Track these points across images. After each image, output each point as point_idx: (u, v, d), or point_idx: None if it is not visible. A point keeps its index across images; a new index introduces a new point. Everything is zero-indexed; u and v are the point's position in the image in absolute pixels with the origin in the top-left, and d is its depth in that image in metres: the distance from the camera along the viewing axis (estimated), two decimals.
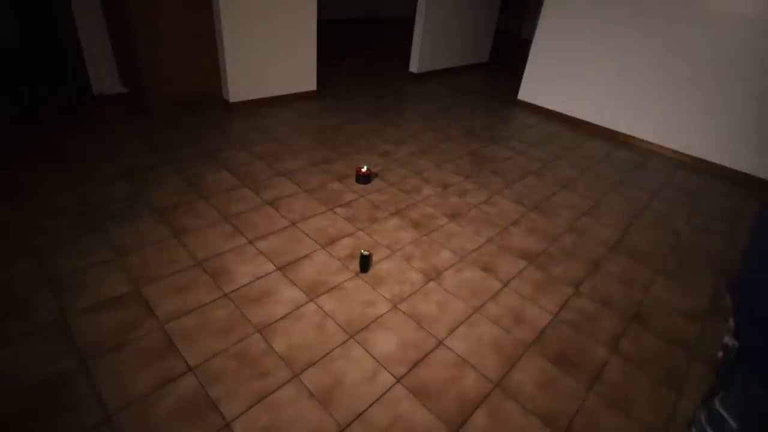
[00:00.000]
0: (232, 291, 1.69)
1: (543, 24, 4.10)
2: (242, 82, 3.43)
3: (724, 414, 0.76)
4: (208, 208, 2.20)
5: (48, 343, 1.40)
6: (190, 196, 2.28)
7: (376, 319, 1.65)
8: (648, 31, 3.48)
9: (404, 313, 1.70)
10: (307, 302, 1.68)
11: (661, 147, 3.69)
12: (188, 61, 3.19)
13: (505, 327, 1.69)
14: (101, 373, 1.33)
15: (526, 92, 4.44)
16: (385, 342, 1.55)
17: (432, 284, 1.87)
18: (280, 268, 1.85)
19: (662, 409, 1.44)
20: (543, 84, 4.28)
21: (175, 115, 3.23)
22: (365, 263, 1.88)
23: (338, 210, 2.32)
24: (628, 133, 3.84)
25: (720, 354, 0.98)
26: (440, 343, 1.58)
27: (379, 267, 1.93)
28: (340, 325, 1.60)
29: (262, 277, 1.79)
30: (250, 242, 1.98)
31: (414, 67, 5.06)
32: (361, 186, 2.58)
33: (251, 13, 3.21)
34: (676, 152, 3.63)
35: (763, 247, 0.72)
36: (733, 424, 0.74)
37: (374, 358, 1.49)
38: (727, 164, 3.39)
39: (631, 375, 1.56)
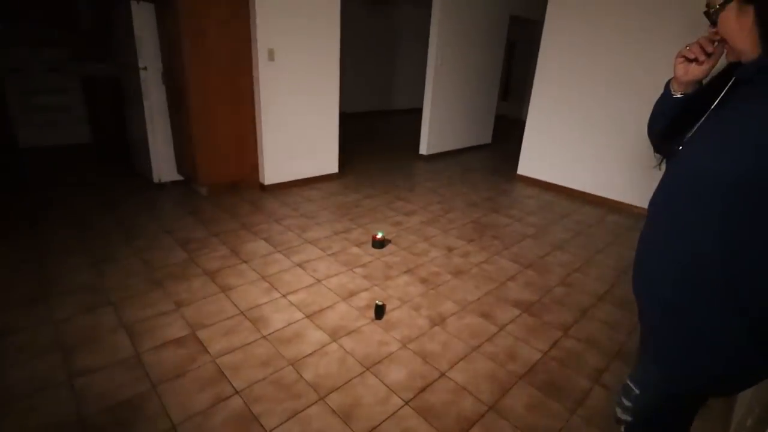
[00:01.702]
0: (269, 334, 2.05)
1: (534, 104, 4.75)
2: (275, 168, 4.06)
3: (631, 384, 1.07)
4: (248, 269, 2.62)
5: (126, 373, 1.76)
6: (233, 260, 2.72)
7: (389, 355, 1.95)
8: (633, 105, 4.03)
9: (412, 351, 2.00)
10: (331, 342, 2.01)
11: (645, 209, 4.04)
12: (233, 153, 3.86)
13: (500, 362, 1.96)
14: (168, 395, 1.66)
15: (524, 167, 4.97)
16: (396, 373, 1.85)
17: (437, 328, 2.18)
18: (308, 316, 2.20)
19: None
20: (538, 158, 4.81)
21: (219, 196, 3.83)
22: (380, 312, 2.23)
23: (357, 270, 2.71)
24: (619, 199, 4.23)
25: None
26: (443, 374, 1.86)
27: (391, 315, 2.26)
28: (358, 360, 1.91)
29: (293, 323, 2.14)
30: (284, 296, 2.37)
31: (423, 149, 5.73)
32: (376, 250, 2.99)
33: (285, 110, 3.93)
34: None
35: (638, 252, 1.07)
36: (636, 390, 1.05)
37: (386, 385, 1.77)
38: None
39: (611, 402, 1.77)
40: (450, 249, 3.10)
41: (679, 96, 1.01)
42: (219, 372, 1.79)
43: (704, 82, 0.99)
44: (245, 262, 2.72)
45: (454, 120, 5.91)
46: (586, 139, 4.35)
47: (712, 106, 0.90)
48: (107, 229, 3.05)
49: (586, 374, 1.93)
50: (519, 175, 5.03)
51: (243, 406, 1.63)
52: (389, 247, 3.05)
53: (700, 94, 0.96)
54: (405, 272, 2.72)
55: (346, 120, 5.57)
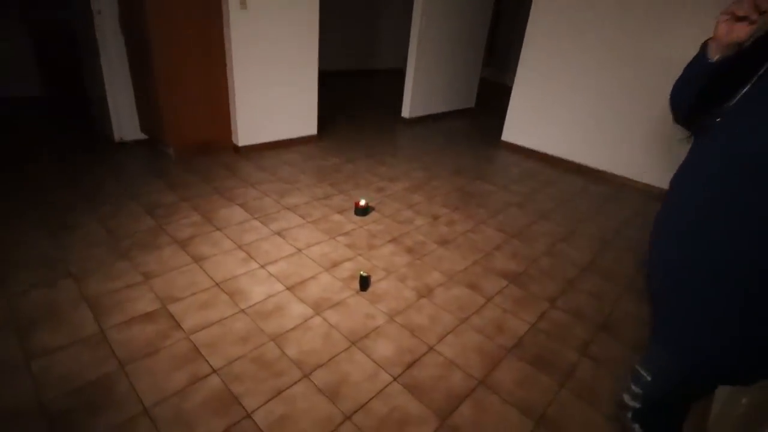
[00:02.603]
0: (248, 307, 1.93)
1: (522, 70, 4.59)
2: (250, 129, 3.80)
3: (641, 370, 1.01)
4: (223, 238, 2.46)
5: (90, 352, 1.61)
6: (206, 228, 2.55)
7: (375, 329, 1.88)
8: (619, 76, 3.94)
9: (399, 324, 1.93)
10: (314, 316, 1.92)
11: (633, 181, 4.05)
12: (202, 111, 3.56)
13: (488, 335, 1.92)
14: (138, 375, 1.54)
15: (508, 134, 4.86)
16: (383, 348, 1.78)
17: (424, 300, 2.11)
18: (289, 288, 2.09)
19: None
20: (523, 126, 4.71)
21: (189, 158, 3.56)
22: (364, 283, 2.13)
23: (339, 238, 2.59)
24: (602, 168, 4.22)
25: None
26: (431, 348, 1.81)
27: (377, 286, 2.18)
28: (343, 335, 1.83)
29: (273, 295, 2.03)
30: (262, 266, 2.23)
31: (405, 112, 5.51)
32: (359, 218, 2.87)
33: (260, 67, 3.63)
34: (647, 185, 3.98)
35: (657, 235, 0.99)
36: (648, 377, 0.99)
37: (374, 361, 1.71)
38: None
39: (599, 375, 1.78)
40: (435, 217, 3.01)
41: (716, 60, 0.88)
42: (194, 349, 1.67)
43: (745, 44, 0.87)
44: (219, 229, 2.55)
45: (437, 83, 5.68)
46: (574, 108, 4.25)
47: (760, 72, 0.79)
48: (65, 193, 2.79)
49: (574, 346, 1.92)
50: (503, 141, 4.93)
51: (222, 386, 1.53)
52: (373, 215, 2.93)
53: (742, 59, 0.84)
54: (390, 241, 2.62)
55: (324, 79, 5.26)
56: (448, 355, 1.78)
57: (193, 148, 3.66)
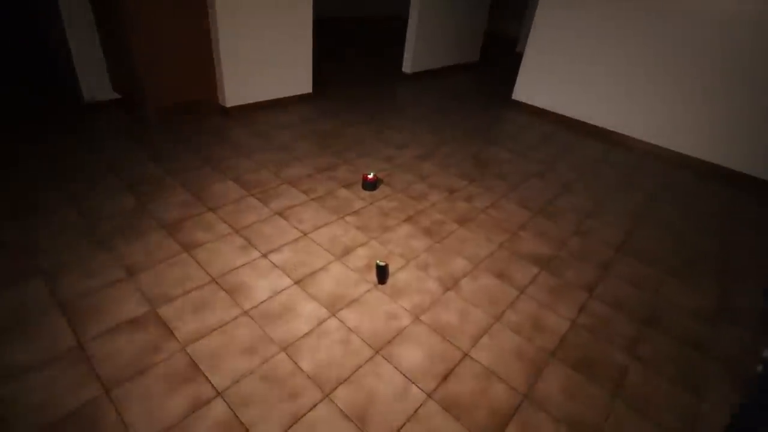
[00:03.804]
0: (251, 308, 1.66)
1: (538, 24, 4.13)
2: (239, 87, 3.36)
3: None
4: (217, 220, 2.15)
5: (66, 373, 1.35)
6: (197, 208, 2.22)
7: (400, 332, 1.64)
8: (645, 29, 3.54)
9: (426, 324, 1.69)
10: (329, 317, 1.67)
11: (659, 147, 3.77)
12: (184, 66, 3.10)
13: (526, 335, 1.71)
14: (126, 402, 1.29)
15: (521, 92, 4.47)
16: (411, 355, 1.55)
17: (450, 293, 1.87)
18: (297, 282, 1.82)
19: (685, 413, 1.48)
20: (537, 84, 4.31)
21: (172, 122, 3.15)
22: (382, 274, 1.87)
23: (349, 219, 2.30)
24: (623, 132, 3.91)
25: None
26: (466, 355, 1.59)
27: (396, 277, 1.92)
28: (365, 340, 1.59)
29: (280, 292, 1.76)
30: (264, 255, 1.95)
31: (407, 67, 5.04)
32: (368, 193, 2.57)
33: (247, 15, 3.14)
34: (670, 151, 3.71)
35: None
36: None
37: (402, 373, 1.48)
38: (720, 162, 3.48)
39: (651, 379, 1.59)
40: (451, 191, 2.72)
41: None
42: (192, 365, 1.42)
43: None
44: (212, 210, 2.23)
45: (441, 35, 5.17)
46: (595, 66, 3.86)
47: None
48: (30, 167, 2.40)
49: (620, 345, 1.72)
50: (514, 100, 4.55)
51: (228, 413, 1.29)
52: (382, 189, 2.63)
53: None
54: (405, 221, 2.34)
55: (316, 28, 4.72)
56: (485, 362, 1.57)
57: (175, 110, 3.24)
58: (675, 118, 3.60)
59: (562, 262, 2.18)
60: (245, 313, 1.64)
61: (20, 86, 3.44)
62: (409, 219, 2.36)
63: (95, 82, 3.19)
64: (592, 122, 4.06)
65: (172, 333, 1.52)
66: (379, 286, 1.86)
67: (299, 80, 3.80)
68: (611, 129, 3.97)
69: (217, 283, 1.77)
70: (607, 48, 3.76)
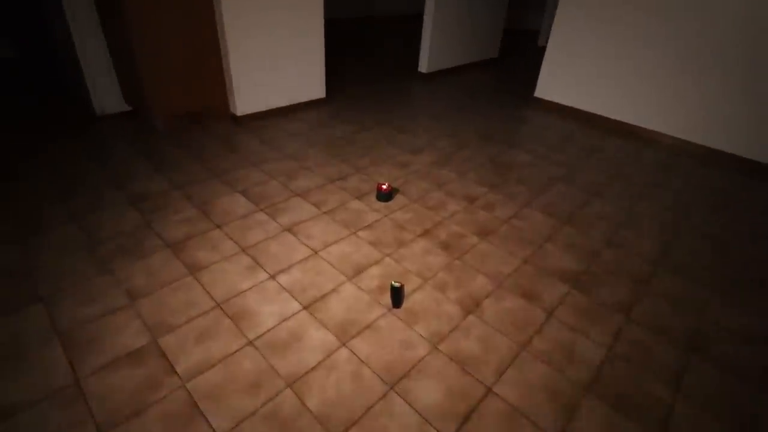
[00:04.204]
0: (257, 338, 1.56)
1: (560, 17, 3.90)
2: (249, 94, 3.27)
3: None
4: (224, 238, 2.06)
5: (62, 412, 1.27)
6: (203, 225, 2.14)
7: (416, 364, 1.51)
8: (676, 21, 3.28)
9: (446, 354, 1.55)
10: (339, 347, 1.54)
11: (692, 144, 3.51)
12: (192, 75, 3.03)
13: (557, 366, 1.55)
14: None
15: (543, 89, 4.25)
16: (429, 392, 1.41)
17: (471, 318, 1.72)
18: (306, 307, 1.70)
19: None
20: (559, 80, 4.09)
21: (182, 132, 3.09)
22: (397, 297, 1.74)
23: (361, 234, 2.17)
24: (651, 128, 3.66)
25: None
26: (489, 390, 1.44)
27: (412, 299, 1.78)
28: (377, 374, 1.46)
29: (288, 318, 1.65)
30: (272, 277, 1.84)
31: (423, 66, 4.88)
32: (382, 204, 2.43)
33: (255, 19, 3.05)
34: (704, 147, 3.44)
35: None
36: None
37: (419, 412, 1.35)
38: (759, 158, 3.20)
39: (700, 420, 1.41)
40: (471, 199, 2.56)
41: None
42: (192, 404, 1.32)
43: None
44: (219, 227, 2.14)
45: (458, 32, 4.98)
46: (622, 59, 3.62)
47: None
48: (36, 181, 2.37)
49: (663, 378, 1.54)
50: (532, 98, 4.33)
51: None
52: (397, 199, 2.49)
53: None
54: (421, 235, 2.20)
55: (328, 28, 4.61)
56: (511, 399, 1.41)
57: (185, 119, 3.18)
58: (707, 113, 3.33)
59: (593, 278, 2.00)
60: (250, 343, 1.54)
61: (35, 100, 3.44)
62: (425, 233, 2.22)
63: (106, 95, 3.15)
64: (617, 118, 3.81)
65: (172, 367, 1.43)
66: (394, 309, 1.73)
67: (312, 85, 3.70)
68: (640, 125, 3.71)
69: (221, 308, 1.67)
70: (633, 40, 3.51)
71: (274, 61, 3.29)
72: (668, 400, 1.46)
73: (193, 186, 2.45)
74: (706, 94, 3.31)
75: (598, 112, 3.92)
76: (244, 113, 3.31)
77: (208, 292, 1.74)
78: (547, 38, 4.13)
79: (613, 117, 3.85)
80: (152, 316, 1.61)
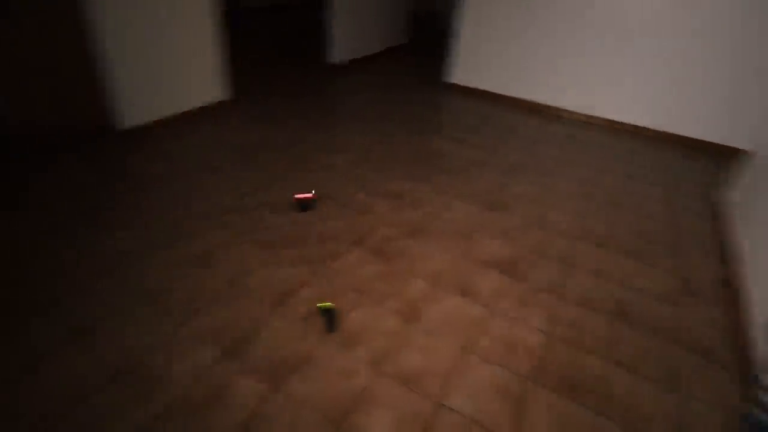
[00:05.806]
0: (171, 401, 1.32)
1: (470, 2, 3.91)
2: (136, 102, 2.85)
3: None
4: (114, 288, 1.74)
5: None
6: (81, 277, 1.79)
7: (361, 392, 1.38)
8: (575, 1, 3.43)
9: (390, 375, 1.44)
10: (273, 393, 1.36)
11: (595, 117, 3.74)
12: (56, 86, 2.55)
13: (503, 362, 1.51)
14: None
15: (455, 74, 4.28)
16: (380, 422, 1.29)
17: (411, 327, 1.63)
18: (225, 354, 1.49)
19: (677, 421, 1.35)
20: (472, 65, 4.13)
21: (50, 155, 2.60)
22: (330, 319, 1.59)
23: (284, 252, 1.97)
24: (562, 106, 3.84)
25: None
26: (440, 404, 1.36)
27: (350, 319, 1.64)
28: (321, 414, 1.30)
29: (203, 371, 1.42)
30: (181, 324, 1.58)
31: (334, 56, 4.66)
32: (305, 214, 2.24)
33: (134, 16, 2.63)
34: (609, 120, 3.69)
35: None
36: None
37: None
38: (658, 127, 3.50)
39: (636, 387, 1.45)
40: (397, 196, 2.46)
41: None
42: None
43: None
44: (107, 274, 1.80)
45: (365, 19, 4.82)
46: (538, 40, 3.73)
47: None
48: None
49: (597, 352, 1.57)
50: (448, 83, 4.35)
51: None
52: (322, 207, 2.32)
53: None
54: (353, 243, 2.06)
55: (226, 20, 4.20)
56: (463, 409, 1.34)
57: (52, 139, 2.68)
58: (612, 89, 3.56)
59: (525, 262, 2.01)
60: (164, 409, 1.29)
61: None
62: (357, 240, 2.08)
63: None
64: (530, 98, 3.95)
65: None
66: (329, 334, 1.58)
67: (210, 86, 3.33)
68: (550, 104, 3.89)
69: (119, 375, 1.39)
70: (541, 21, 3.63)
71: (163, 60, 2.89)
72: (605, 372, 1.49)
73: (65, 232, 2.06)
74: (610, 73, 3.52)
75: (514, 95, 4.03)
76: (132, 125, 2.88)
77: (98, 355, 1.44)
78: (448, 22, 4.15)
79: (524, 97, 3.98)
80: None
